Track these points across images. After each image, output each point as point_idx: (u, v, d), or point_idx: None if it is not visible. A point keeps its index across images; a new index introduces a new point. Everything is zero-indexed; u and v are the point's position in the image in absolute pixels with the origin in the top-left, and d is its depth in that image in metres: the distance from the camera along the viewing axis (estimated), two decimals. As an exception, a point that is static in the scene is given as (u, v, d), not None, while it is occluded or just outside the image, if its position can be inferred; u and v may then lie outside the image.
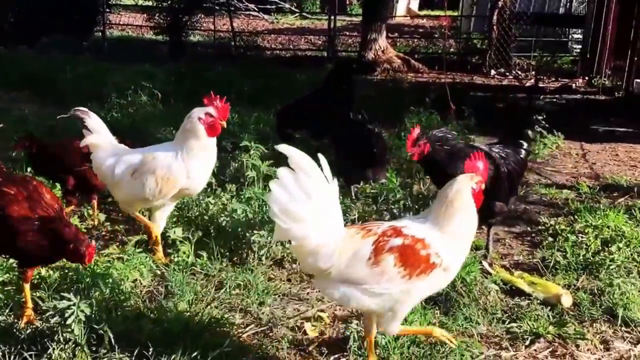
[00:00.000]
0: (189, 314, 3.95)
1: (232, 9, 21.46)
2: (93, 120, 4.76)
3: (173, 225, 5.03)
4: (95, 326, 3.49)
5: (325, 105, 7.59)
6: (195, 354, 3.46)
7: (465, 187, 3.33)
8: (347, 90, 8.01)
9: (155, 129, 7.94)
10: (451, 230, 3.28)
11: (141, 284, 4.37)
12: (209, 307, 4.09)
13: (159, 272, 4.56)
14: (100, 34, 18.28)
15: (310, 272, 3.44)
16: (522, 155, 5.24)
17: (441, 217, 3.30)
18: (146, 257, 4.52)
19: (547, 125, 8.27)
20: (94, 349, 3.50)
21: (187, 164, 4.55)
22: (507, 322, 4.09)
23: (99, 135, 4.76)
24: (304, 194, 3.08)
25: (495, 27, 16.28)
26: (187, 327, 3.72)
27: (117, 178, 4.64)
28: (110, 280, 4.05)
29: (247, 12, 25.00)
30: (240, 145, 6.20)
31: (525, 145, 5.30)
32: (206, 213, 5.24)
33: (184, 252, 4.69)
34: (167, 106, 9.53)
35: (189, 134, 4.56)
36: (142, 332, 3.62)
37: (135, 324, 3.71)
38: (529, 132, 5.58)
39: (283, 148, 3.10)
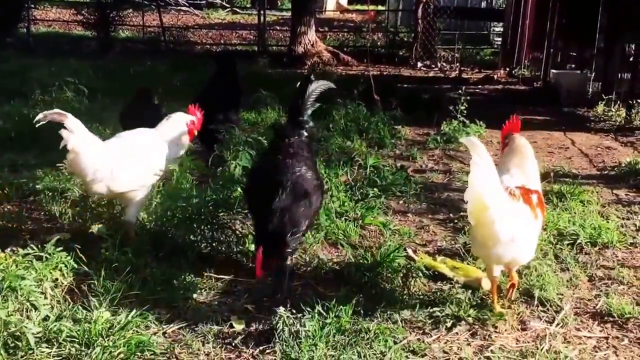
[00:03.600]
0: (112, 311, 3.89)
1: (162, 3, 21.18)
2: (71, 121, 4.52)
3: (96, 222, 4.93)
4: (12, 328, 3.40)
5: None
6: (117, 352, 3.43)
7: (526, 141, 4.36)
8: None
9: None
10: (534, 178, 4.21)
11: (62, 283, 4.26)
12: (132, 303, 4.03)
13: (81, 271, 4.45)
14: (25, 29, 17.73)
15: (490, 245, 3.89)
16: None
17: (526, 169, 4.19)
18: (67, 255, 4.39)
19: (458, 115, 8.49)
20: (11, 351, 3.41)
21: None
22: (429, 307, 4.16)
23: (81, 137, 4.57)
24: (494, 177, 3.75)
25: (420, 21, 16.65)
26: (110, 325, 3.67)
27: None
28: (28, 281, 3.92)
29: (178, 8, 24.69)
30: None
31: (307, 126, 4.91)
32: (131, 209, 5.15)
33: (107, 249, 4.60)
34: (93, 102, 9.32)
35: (175, 131, 5.03)
36: (63, 333, 3.55)
37: (56, 324, 3.62)
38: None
39: (467, 140, 3.68)
